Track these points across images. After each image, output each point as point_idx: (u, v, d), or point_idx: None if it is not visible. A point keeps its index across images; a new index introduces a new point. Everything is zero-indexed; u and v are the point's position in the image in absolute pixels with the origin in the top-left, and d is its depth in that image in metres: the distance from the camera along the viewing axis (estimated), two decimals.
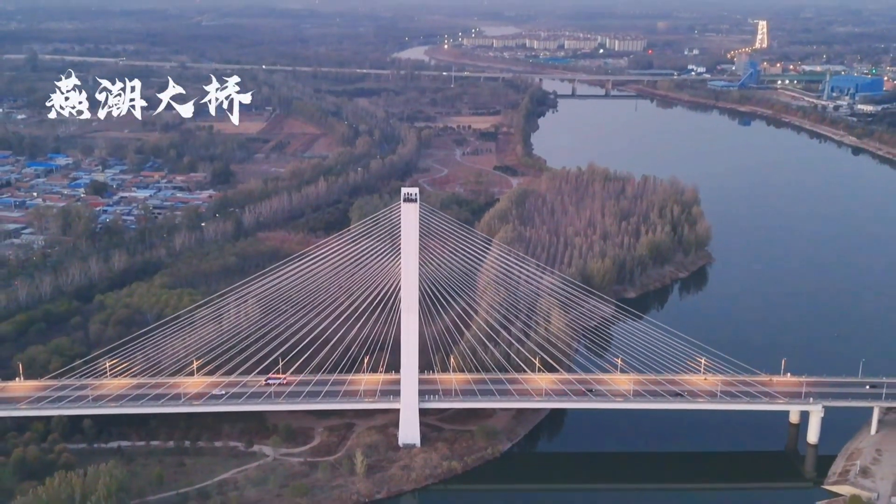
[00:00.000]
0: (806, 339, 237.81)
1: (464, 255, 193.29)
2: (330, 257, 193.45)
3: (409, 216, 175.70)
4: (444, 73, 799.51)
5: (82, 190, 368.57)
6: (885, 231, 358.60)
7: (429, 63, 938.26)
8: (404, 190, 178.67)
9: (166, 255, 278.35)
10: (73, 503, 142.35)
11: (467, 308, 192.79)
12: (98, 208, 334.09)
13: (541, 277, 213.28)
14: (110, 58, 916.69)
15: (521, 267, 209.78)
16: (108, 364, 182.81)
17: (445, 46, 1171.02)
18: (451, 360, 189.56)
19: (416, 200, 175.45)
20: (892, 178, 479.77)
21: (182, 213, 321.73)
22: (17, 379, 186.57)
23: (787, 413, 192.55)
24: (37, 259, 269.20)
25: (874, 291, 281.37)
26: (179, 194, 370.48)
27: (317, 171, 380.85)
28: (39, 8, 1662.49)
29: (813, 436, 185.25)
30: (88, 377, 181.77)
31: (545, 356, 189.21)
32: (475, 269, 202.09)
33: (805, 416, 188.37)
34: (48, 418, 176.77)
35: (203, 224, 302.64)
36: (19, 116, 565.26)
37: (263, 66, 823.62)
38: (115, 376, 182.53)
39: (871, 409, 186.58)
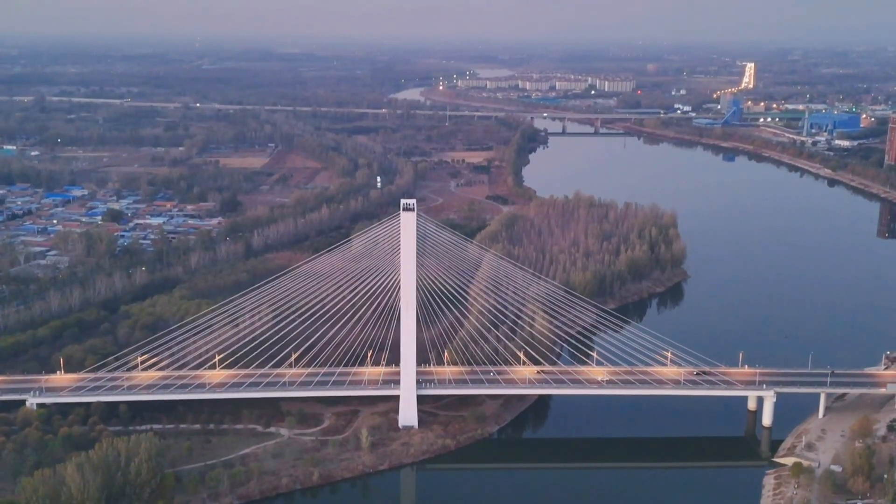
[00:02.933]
0: (765, 340, 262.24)
1: (460, 264, 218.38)
2: (334, 266, 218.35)
3: (408, 223, 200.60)
4: (440, 112, 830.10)
5: (100, 218, 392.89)
6: (842, 249, 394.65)
7: (424, 103, 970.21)
8: (403, 201, 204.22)
9: (183, 272, 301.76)
10: (119, 465, 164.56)
11: (462, 309, 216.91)
12: (116, 233, 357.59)
13: (530, 284, 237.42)
14: (115, 99, 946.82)
15: (512, 274, 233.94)
16: (139, 359, 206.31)
17: (440, 87, 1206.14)
18: (446, 354, 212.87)
19: (413, 210, 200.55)
20: (860, 204, 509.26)
21: (195, 236, 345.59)
22: (58, 372, 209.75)
23: (745, 402, 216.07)
24: (63, 277, 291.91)
25: (825, 299, 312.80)
26: (191, 221, 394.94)
27: (320, 200, 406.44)
28: (42, 53, 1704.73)
29: (767, 419, 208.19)
30: (122, 370, 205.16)
31: (531, 351, 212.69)
32: (470, 275, 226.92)
33: (761, 403, 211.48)
34: (88, 404, 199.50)
35: (216, 245, 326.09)
36: (33, 153, 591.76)
37: (265, 107, 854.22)
38: (146, 369, 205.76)
39: (818, 397, 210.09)
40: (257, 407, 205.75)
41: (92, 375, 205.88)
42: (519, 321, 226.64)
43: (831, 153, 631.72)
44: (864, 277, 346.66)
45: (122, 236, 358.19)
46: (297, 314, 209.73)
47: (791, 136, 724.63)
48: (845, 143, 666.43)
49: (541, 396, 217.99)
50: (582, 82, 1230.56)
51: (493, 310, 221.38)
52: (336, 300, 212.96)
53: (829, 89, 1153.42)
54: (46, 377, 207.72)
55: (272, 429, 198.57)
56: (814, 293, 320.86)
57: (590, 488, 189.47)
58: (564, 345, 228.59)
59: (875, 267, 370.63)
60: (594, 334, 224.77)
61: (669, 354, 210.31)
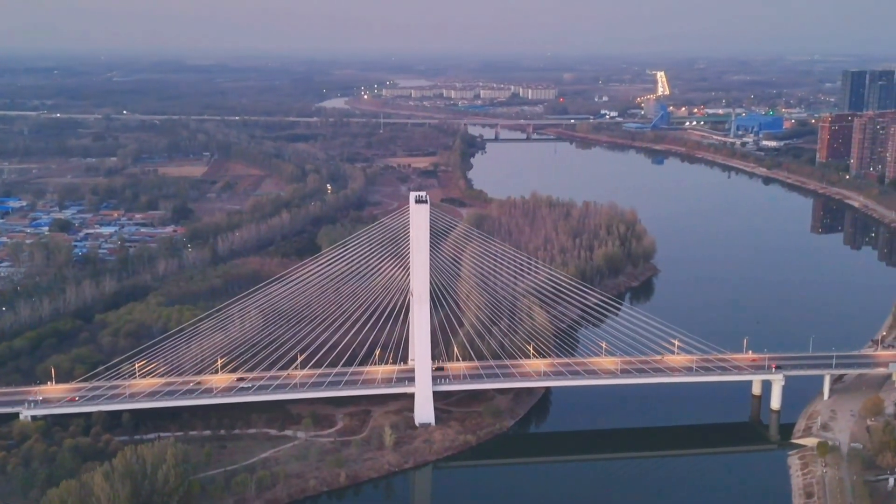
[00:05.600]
0: (748, 328, 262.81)
1: (457, 257, 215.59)
2: (332, 266, 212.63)
3: (420, 216, 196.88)
4: (373, 120, 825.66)
5: (46, 228, 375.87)
6: (793, 243, 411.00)
7: (354, 111, 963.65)
8: (414, 193, 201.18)
9: (151, 279, 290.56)
10: (145, 473, 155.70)
11: (463, 304, 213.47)
12: (70, 243, 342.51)
13: (528, 275, 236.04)
14: (30, 111, 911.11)
15: (509, 266, 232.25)
16: (137, 365, 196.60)
17: (365, 97, 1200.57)
18: (455, 349, 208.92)
19: (426, 202, 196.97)
20: (796, 200, 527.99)
21: (156, 244, 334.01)
22: (48, 383, 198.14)
23: (748, 387, 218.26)
24: (29, 287, 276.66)
25: (791, 289, 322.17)
26: (143, 229, 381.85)
27: (276, 205, 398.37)
28: None
29: (776, 402, 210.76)
30: (121, 378, 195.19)
31: (539, 343, 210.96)
32: (468, 269, 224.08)
33: (765, 388, 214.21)
34: (88, 414, 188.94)
35: (181, 252, 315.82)
36: None
37: (192, 117, 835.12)
38: (144, 376, 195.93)
39: (821, 379, 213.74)
40: (265, 410, 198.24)
41: (89, 385, 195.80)
42: (524, 313, 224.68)
43: (762, 153, 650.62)
44: (810, 268, 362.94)
45: (76, 246, 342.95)
46: (296, 316, 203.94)
47: (719, 137, 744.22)
48: (772, 144, 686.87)
49: (547, 389, 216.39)
50: (505, 90, 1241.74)
51: (498, 303, 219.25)
52: (338, 300, 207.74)
53: (742, 95, 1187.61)
54: (38, 388, 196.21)
55: (287, 432, 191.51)
56: (779, 284, 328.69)
57: (615, 479, 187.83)
58: (571, 337, 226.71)
59: (818, 256, 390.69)
60: (600, 326, 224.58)
61: (677, 342, 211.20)
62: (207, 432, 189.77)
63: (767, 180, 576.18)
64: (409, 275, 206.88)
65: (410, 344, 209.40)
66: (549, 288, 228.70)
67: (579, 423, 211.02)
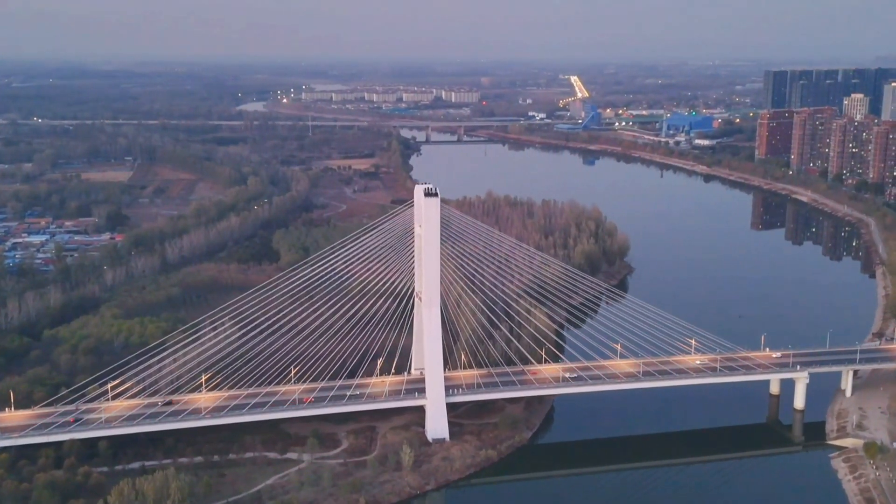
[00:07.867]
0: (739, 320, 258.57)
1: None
2: (319, 275, 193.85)
3: (431, 211, 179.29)
4: (300, 123, 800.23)
5: None
6: (743, 235, 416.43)
7: (277, 115, 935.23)
8: (424, 186, 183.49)
9: (99, 290, 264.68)
10: None
11: (465, 304, 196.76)
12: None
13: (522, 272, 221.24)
14: None
15: (502, 262, 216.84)
16: (109, 386, 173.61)
17: (284, 101, 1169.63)
18: (463, 357, 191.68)
19: (436, 195, 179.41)
20: (741, 196, 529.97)
21: (99, 252, 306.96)
22: (6, 409, 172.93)
23: (765, 387, 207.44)
24: None
25: (767, 285, 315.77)
26: (78, 237, 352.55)
27: (221, 210, 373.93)
28: None
29: (800, 401, 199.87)
30: (91, 401, 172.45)
31: (550, 346, 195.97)
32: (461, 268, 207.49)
33: (784, 387, 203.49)
34: (58, 444, 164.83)
35: (130, 259, 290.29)
36: None
37: (106, 121, 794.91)
38: (118, 398, 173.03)
39: (835, 377, 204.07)
40: (259, 432, 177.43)
41: (59, 409, 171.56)
42: (527, 313, 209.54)
43: (697, 151, 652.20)
44: (776, 261, 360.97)
45: (6, 256, 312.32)
46: (283, 327, 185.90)
47: (651, 137, 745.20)
48: (705, 143, 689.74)
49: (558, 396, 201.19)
50: (428, 94, 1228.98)
51: (499, 302, 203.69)
52: (330, 308, 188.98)
53: (659, 97, 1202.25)
54: None
55: (290, 454, 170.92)
56: (756, 280, 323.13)
57: (647, 488, 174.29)
58: (584, 334, 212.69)
59: (778, 250, 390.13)
60: (607, 323, 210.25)
61: (693, 341, 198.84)
62: (199, 459, 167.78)
63: (708, 178, 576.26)
64: (405, 277, 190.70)
65: (413, 352, 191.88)
66: (553, 285, 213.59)
67: (596, 431, 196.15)
